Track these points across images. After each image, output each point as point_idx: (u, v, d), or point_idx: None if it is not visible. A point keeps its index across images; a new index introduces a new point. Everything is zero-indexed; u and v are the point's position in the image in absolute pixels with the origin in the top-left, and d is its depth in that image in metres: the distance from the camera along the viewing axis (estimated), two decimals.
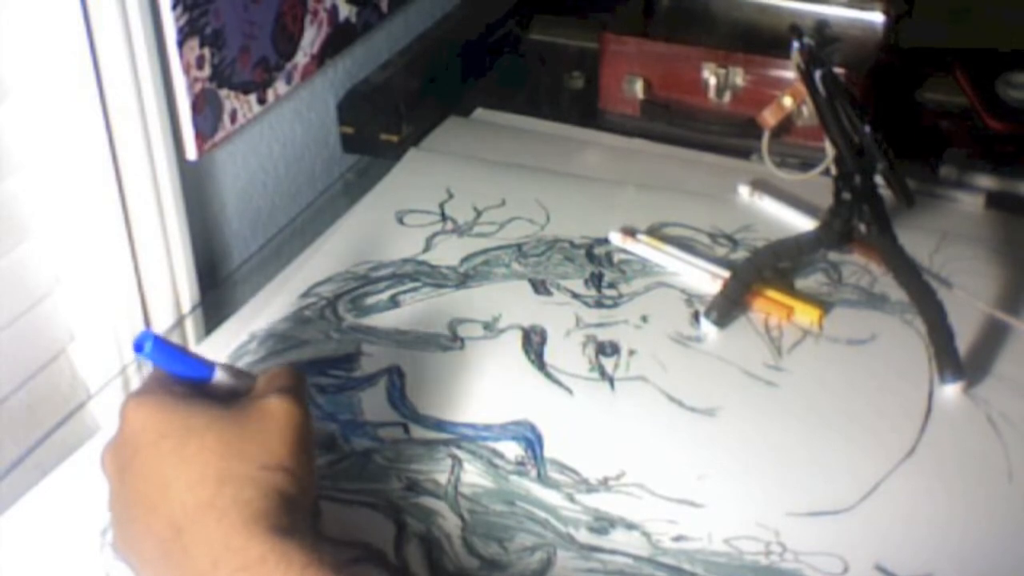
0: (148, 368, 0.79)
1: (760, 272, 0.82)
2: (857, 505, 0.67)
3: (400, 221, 0.92)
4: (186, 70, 0.81)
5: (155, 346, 0.59)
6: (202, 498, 0.54)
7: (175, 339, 0.85)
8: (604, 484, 0.68)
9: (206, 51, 0.82)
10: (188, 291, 0.86)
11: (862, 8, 1.07)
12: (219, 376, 0.62)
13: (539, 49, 1.21)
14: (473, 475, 0.69)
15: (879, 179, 0.78)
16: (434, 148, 1.02)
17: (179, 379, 0.60)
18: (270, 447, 0.56)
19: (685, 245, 0.88)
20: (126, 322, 0.83)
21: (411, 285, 0.84)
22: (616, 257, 0.87)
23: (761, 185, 0.94)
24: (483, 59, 1.17)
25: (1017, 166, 0.98)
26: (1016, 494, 0.68)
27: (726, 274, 0.83)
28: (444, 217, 0.92)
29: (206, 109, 0.84)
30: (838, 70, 0.81)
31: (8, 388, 0.78)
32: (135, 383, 0.80)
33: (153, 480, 0.55)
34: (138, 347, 0.59)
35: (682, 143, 1.03)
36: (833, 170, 0.79)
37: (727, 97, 1.04)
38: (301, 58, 0.94)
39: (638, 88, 1.06)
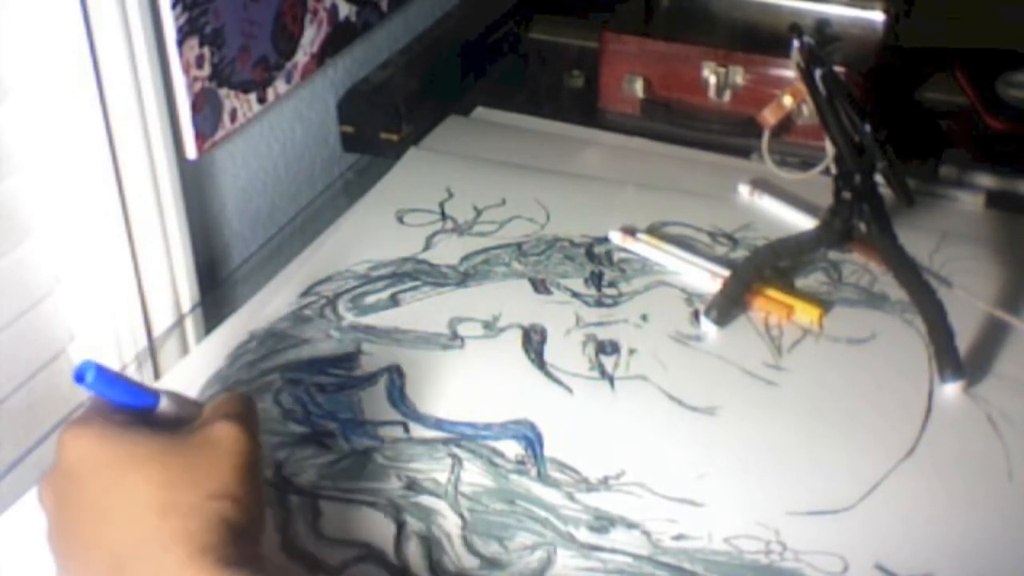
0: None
1: (760, 271, 0.82)
2: (857, 504, 0.67)
3: (400, 220, 0.92)
4: (186, 69, 0.81)
5: (97, 375, 0.56)
6: (145, 531, 0.52)
7: (175, 339, 0.85)
8: (604, 483, 0.68)
9: (206, 50, 0.82)
10: (188, 291, 0.86)
11: (862, 7, 1.07)
12: (164, 405, 0.59)
13: (539, 48, 1.21)
14: (473, 474, 0.69)
15: (879, 178, 0.78)
16: (434, 147, 1.02)
17: (121, 408, 0.57)
18: (216, 475, 0.54)
19: (685, 244, 0.88)
20: (126, 322, 0.83)
21: (411, 284, 0.84)
22: (616, 256, 0.87)
23: (761, 184, 0.94)
24: (483, 58, 1.17)
25: (1017, 166, 0.98)
26: (1016, 494, 0.68)
27: (726, 273, 0.83)
28: (444, 216, 0.92)
29: (206, 108, 0.84)
30: (838, 69, 0.81)
31: (8, 388, 0.78)
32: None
33: (93, 512, 0.53)
34: (79, 377, 0.56)
35: (682, 142, 1.03)
36: (833, 169, 0.79)
37: (727, 96, 1.04)
38: (301, 57, 0.94)
39: (638, 87, 1.06)
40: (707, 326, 0.80)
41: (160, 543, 0.51)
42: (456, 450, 0.70)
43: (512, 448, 0.71)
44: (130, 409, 0.58)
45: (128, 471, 0.54)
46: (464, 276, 0.85)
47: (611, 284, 0.85)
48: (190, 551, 0.51)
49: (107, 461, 0.54)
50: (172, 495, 0.53)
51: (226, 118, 0.87)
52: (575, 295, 0.83)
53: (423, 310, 0.82)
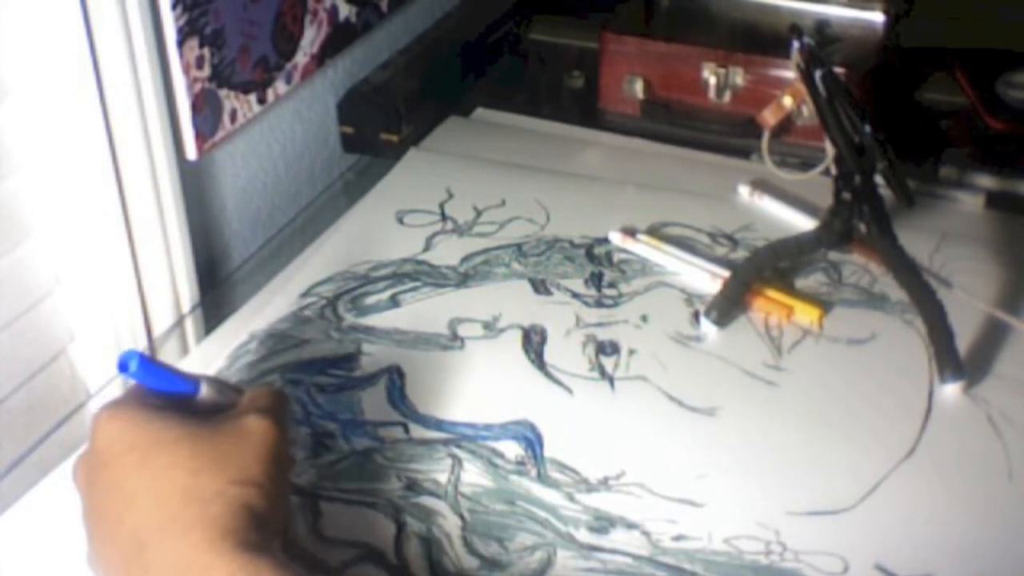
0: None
1: (760, 272, 0.82)
2: (857, 505, 0.67)
3: (400, 221, 0.92)
4: (186, 70, 0.81)
5: (140, 366, 0.58)
6: (166, 514, 0.52)
7: (175, 339, 0.85)
8: (604, 483, 0.68)
9: (206, 51, 0.82)
10: (188, 291, 0.86)
11: (862, 8, 1.07)
12: (204, 392, 0.60)
13: (539, 49, 1.21)
14: (473, 474, 0.69)
15: (879, 179, 0.78)
16: (434, 148, 1.02)
17: (159, 393, 0.59)
18: (242, 463, 0.55)
19: (685, 245, 0.88)
20: (126, 322, 0.83)
21: (411, 285, 0.84)
22: (616, 257, 0.87)
23: (761, 185, 0.94)
24: (483, 59, 1.17)
25: (1017, 166, 0.98)
26: (1016, 494, 0.68)
27: (726, 274, 0.83)
28: (444, 217, 0.92)
29: (206, 109, 0.84)
30: (838, 70, 0.80)
31: (8, 388, 0.78)
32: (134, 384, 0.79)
33: (119, 494, 0.54)
34: (122, 366, 0.58)
35: (682, 143, 1.03)
36: (833, 170, 0.79)
37: (727, 97, 1.04)
38: (301, 58, 0.94)
39: (638, 88, 1.06)
40: (707, 327, 0.80)
41: (182, 526, 0.52)
42: (456, 451, 0.70)
43: (512, 449, 0.71)
44: (168, 394, 0.59)
45: (156, 454, 0.54)
46: (464, 277, 0.85)
47: (611, 285, 0.85)
48: (211, 535, 0.51)
49: (136, 444, 0.55)
50: (196, 480, 0.53)
51: (226, 119, 0.87)
52: (575, 296, 0.83)
53: (423, 311, 0.82)
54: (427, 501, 0.67)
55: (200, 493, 0.53)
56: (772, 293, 0.82)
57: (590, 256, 0.88)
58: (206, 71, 0.83)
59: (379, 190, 0.96)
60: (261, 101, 0.90)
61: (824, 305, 0.82)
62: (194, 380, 0.61)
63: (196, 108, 0.83)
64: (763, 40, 1.04)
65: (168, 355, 0.83)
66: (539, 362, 0.78)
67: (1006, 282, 0.84)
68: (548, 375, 0.76)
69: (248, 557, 0.51)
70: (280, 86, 0.92)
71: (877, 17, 1.06)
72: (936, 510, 0.66)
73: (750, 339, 0.80)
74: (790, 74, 0.93)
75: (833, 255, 0.86)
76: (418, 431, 0.72)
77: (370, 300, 0.83)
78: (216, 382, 0.62)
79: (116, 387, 0.79)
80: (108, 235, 0.80)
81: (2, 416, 0.78)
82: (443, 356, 0.78)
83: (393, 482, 0.68)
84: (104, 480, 0.55)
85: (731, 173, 0.97)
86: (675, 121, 1.05)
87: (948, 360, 0.75)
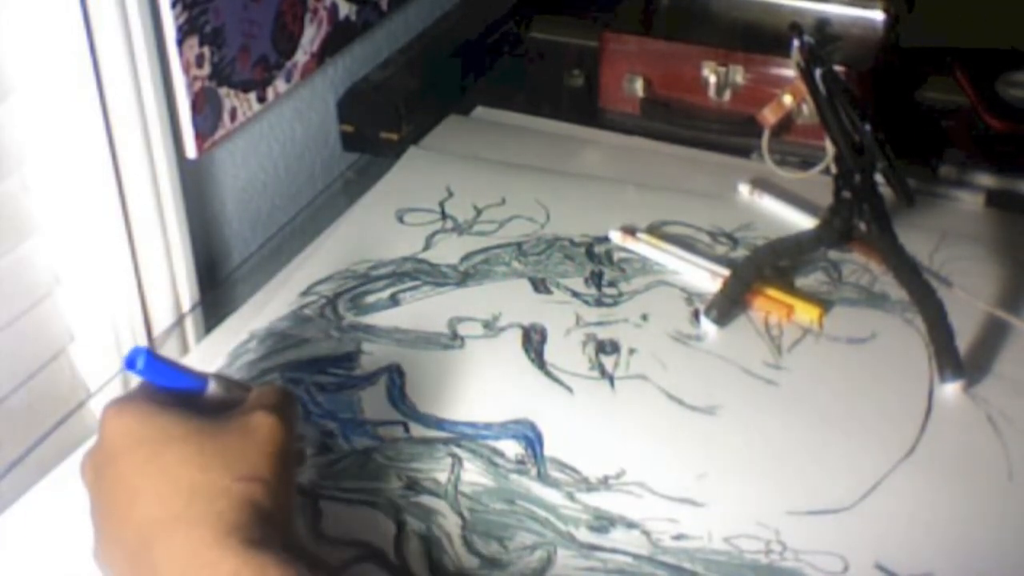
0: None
1: (760, 271, 0.82)
2: (857, 504, 0.67)
3: (400, 219, 0.92)
4: (186, 69, 0.81)
5: (147, 363, 0.58)
6: (172, 510, 0.53)
7: (175, 339, 0.85)
8: (604, 483, 0.68)
9: (206, 50, 0.82)
10: (188, 290, 0.86)
11: (863, 7, 1.07)
12: (212, 389, 0.61)
13: (539, 48, 1.21)
14: (473, 474, 0.69)
15: (879, 178, 0.78)
16: (434, 147, 1.02)
17: (167, 390, 0.59)
18: (249, 459, 0.55)
19: (685, 243, 0.88)
20: (126, 322, 0.83)
21: (411, 283, 0.84)
22: (616, 255, 0.87)
23: (761, 183, 0.94)
24: (483, 57, 1.17)
25: (1017, 166, 0.98)
26: (1016, 494, 0.68)
27: (726, 272, 0.83)
28: (444, 215, 0.92)
29: (206, 108, 0.84)
30: (838, 68, 0.81)
31: (8, 388, 0.78)
32: (134, 383, 0.79)
33: (125, 489, 0.54)
34: (130, 364, 0.58)
35: (682, 142, 1.03)
36: (833, 169, 0.79)
37: (727, 95, 1.04)
38: (301, 56, 0.94)
39: (638, 87, 1.06)
40: (707, 326, 0.80)
41: (186, 522, 0.52)
42: (456, 450, 0.70)
43: (512, 448, 0.71)
44: (176, 391, 0.59)
45: (163, 450, 0.55)
46: (464, 276, 0.85)
47: (611, 283, 0.85)
48: (216, 531, 0.52)
49: (144, 439, 0.55)
50: (203, 476, 0.54)
51: (226, 117, 0.87)
52: (575, 295, 0.83)
53: (423, 310, 0.82)
54: (427, 500, 0.67)
55: (207, 489, 0.53)
56: (772, 292, 0.82)
57: (590, 255, 0.88)
58: (206, 70, 0.83)
59: (379, 189, 0.96)
60: (261, 100, 0.90)
61: (824, 304, 0.82)
62: (202, 377, 0.61)
63: (196, 107, 0.83)
64: (763, 39, 1.04)
65: (168, 355, 0.82)
66: (539, 361, 0.78)
67: (1006, 282, 0.84)
68: (548, 374, 0.76)
69: (252, 553, 0.51)
70: (280, 85, 0.92)
71: (877, 16, 1.06)
72: (936, 510, 0.66)
73: (750, 338, 0.80)
74: (790, 73, 0.93)
75: (833, 254, 0.86)
76: (418, 430, 0.72)
77: (370, 299, 0.83)
78: (224, 379, 0.62)
79: (116, 386, 0.79)
80: (108, 235, 0.80)
81: (2, 416, 0.78)
82: (443, 355, 0.78)
83: (393, 481, 0.68)
84: (112, 475, 0.55)
85: (731, 172, 0.97)
86: (675, 120, 1.05)
87: (948, 359, 0.75)
